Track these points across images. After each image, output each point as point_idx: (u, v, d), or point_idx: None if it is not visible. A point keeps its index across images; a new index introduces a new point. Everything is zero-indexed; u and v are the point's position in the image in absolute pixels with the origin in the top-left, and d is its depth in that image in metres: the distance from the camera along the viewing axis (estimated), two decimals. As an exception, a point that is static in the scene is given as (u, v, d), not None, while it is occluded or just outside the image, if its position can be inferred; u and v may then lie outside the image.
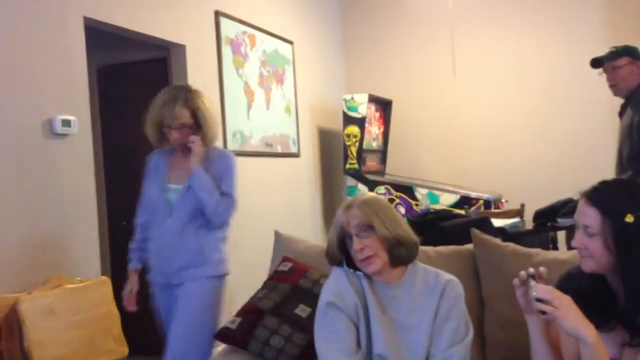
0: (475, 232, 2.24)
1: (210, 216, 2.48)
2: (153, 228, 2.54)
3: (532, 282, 1.42)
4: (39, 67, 2.92)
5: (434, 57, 6.01)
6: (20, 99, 2.81)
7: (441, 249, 2.34)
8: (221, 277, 2.68)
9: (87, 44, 3.26)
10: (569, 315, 1.34)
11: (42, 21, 2.96)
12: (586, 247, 1.44)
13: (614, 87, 3.33)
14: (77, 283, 2.72)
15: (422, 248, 2.39)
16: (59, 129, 2.96)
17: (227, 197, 2.56)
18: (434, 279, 1.79)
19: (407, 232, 1.79)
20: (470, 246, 2.28)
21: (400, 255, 1.75)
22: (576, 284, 1.50)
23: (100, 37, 3.47)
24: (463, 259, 2.25)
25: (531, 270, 1.45)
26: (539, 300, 1.37)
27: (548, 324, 1.47)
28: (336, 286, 1.81)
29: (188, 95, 2.52)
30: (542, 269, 1.45)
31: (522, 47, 5.74)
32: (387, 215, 1.76)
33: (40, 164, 2.89)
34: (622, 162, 3.20)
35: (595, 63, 3.38)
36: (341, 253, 1.82)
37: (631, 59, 3.27)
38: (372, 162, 5.78)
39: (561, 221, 3.38)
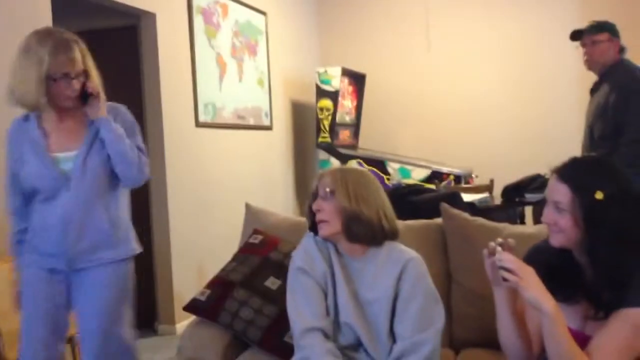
0: (444, 206, 2.26)
1: (133, 173, 2.15)
2: (41, 208, 2.07)
3: (499, 252, 1.43)
4: (2, 34, 2.83)
5: (408, 32, 6.00)
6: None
7: (410, 222, 2.36)
8: (134, 257, 2.33)
9: (54, 10, 3.17)
10: (530, 285, 1.37)
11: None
12: (556, 222, 1.46)
13: (590, 61, 3.32)
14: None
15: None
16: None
17: (142, 152, 2.20)
18: (397, 255, 1.77)
19: (376, 213, 1.75)
20: (439, 220, 2.30)
21: (355, 232, 1.73)
22: (543, 258, 1.53)
23: (67, 3, 3.38)
24: (432, 233, 2.27)
25: (499, 240, 1.47)
26: (503, 268, 1.40)
27: (515, 296, 1.49)
28: (305, 253, 1.83)
29: (74, 37, 2.08)
30: (510, 240, 1.47)
31: (495, 25, 5.76)
32: (358, 189, 1.74)
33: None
34: (593, 140, 3.23)
35: (576, 35, 3.37)
36: (311, 218, 1.82)
37: (610, 36, 3.27)
38: (344, 136, 5.78)
39: (529, 196, 3.43)
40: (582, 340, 1.42)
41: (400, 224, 2.39)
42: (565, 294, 1.46)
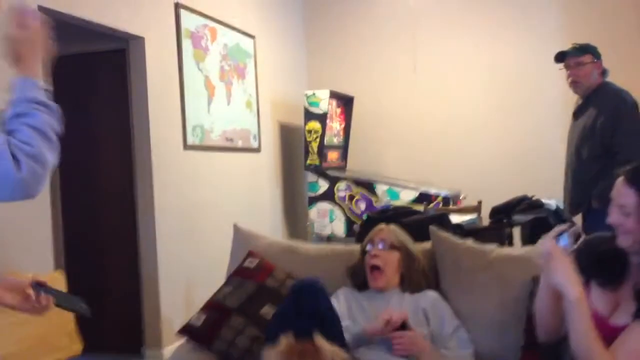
0: (433, 229, 2.28)
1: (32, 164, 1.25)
2: None
3: (551, 237, 1.53)
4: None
5: (395, 55, 6.06)
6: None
7: (400, 244, 2.36)
8: None
9: (42, 33, 3.17)
10: (558, 270, 1.47)
11: (-5, 8, 2.86)
12: (622, 224, 1.51)
13: (576, 84, 3.36)
14: (28, 278, 2.64)
15: (380, 244, 2.44)
16: (12, 120, 2.87)
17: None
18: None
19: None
20: (428, 243, 2.31)
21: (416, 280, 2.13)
22: (596, 247, 1.62)
23: (56, 26, 3.38)
24: (421, 255, 2.27)
25: (564, 226, 1.56)
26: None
27: None
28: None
29: None
30: (574, 227, 1.56)
31: (481, 48, 5.84)
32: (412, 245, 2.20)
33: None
34: (582, 161, 3.27)
35: (560, 57, 3.41)
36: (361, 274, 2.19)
37: (593, 57, 3.32)
38: (333, 158, 5.80)
39: (517, 218, 3.45)
40: (604, 326, 1.49)
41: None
42: (606, 280, 1.56)
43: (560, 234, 1.53)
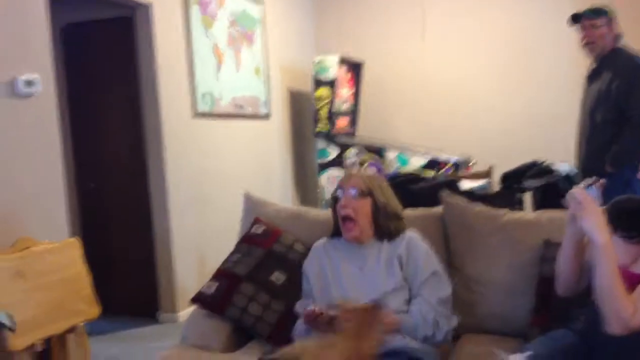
0: (443, 194, 2.28)
1: None
2: None
3: (581, 187, 1.61)
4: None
5: (404, 19, 5.98)
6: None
7: (409, 211, 2.37)
8: None
9: (51, 1, 3.16)
10: (589, 217, 1.56)
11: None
12: None
13: (591, 45, 3.32)
14: (45, 245, 2.69)
15: (391, 210, 2.45)
16: (22, 89, 2.88)
17: None
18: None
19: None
20: (438, 208, 2.31)
21: (387, 227, 2.01)
22: (622, 204, 1.76)
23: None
24: (431, 221, 2.28)
25: (593, 178, 1.64)
26: (574, 199, 1.60)
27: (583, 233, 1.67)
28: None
29: None
30: (602, 180, 1.64)
31: (490, 13, 5.74)
32: (386, 187, 2.06)
33: (4, 125, 2.82)
34: (595, 125, 3.26)
35: (575, 18, 3.38)
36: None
37: (608, 20, 3.30)
38: (342, 124, 5.78)
39: (527, 183, 3.45)
40: (625, 274, 1.58)
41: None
42: (630, 232, 1.68)
43: (588, 186, 1.61)
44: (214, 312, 2.13)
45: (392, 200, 2.08)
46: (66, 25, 4.26)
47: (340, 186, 2.05)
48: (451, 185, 3.41)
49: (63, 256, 2.69)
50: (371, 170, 5.26)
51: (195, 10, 4.31)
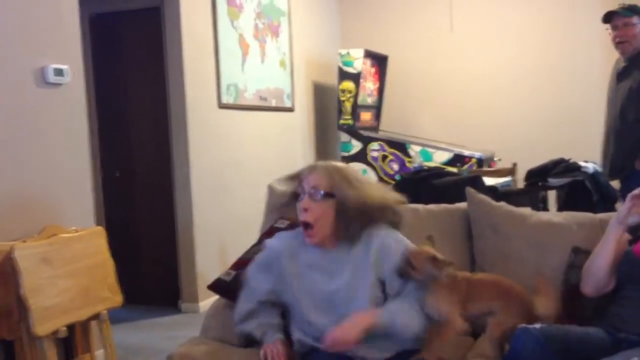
0: (470, 191, 2.24)
1: None
2: None
3: None
4: (30, 16, 2.86)
5: (431, 12, 5.93)
6: (12, 47, 2.76)
7: (432, 207, 2.35)
8: None
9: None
10: None
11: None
12: None
13: (624, 44, 3.27)
14: (72, 233, 2.73)
15: (413, 206, 2.42)
16: (52, 78, 2.92)
17: None
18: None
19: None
20: (462, 204, 2.29)
21: (356, 229, 1.75)
22: None
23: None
24: (454, 218, 2.25)
25: None
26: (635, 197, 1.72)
27: (624, 239, 1.78)
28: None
29: None
30: None
31: (520, 5, 5.67)
32: (360, 178, 1.77)
33: (33, 113, 2.87)
34: (626, 123, 3.21)
35: (608, 17, 3.33)
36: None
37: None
38: (366, 118, 5.77)
39: (552, 181, 3.40)
40: None
41: (422, 207, 2.39)
42: None
43: None
44: (231, 300, 2.13)
45: (368, 190, 1.76)
46: (94, 16, 4.30)
47: (300, 181, 1.78)
48: (475, 181, 3.38)
49: (89, 244, 2.73)
50: (395, 166, 5.24)
51: (221, 2, 4.32)
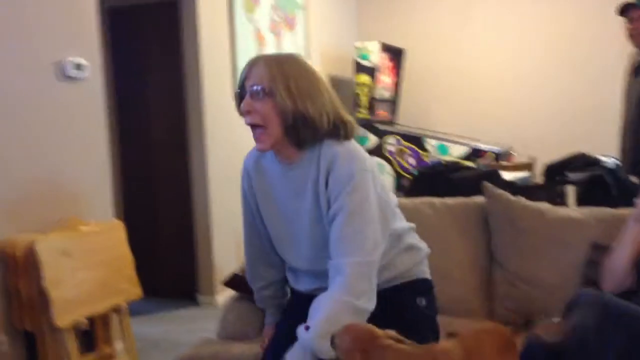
0: (486, 185, 2.24)
1: None
2: None
3: None
4: (49, 9, 2.89)
5: (447, 6, 5.89)
6: (31, 40, 2.79)
7: (449, 200, 2.35)
8: None
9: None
10: None
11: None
12: None
13: (637, 37, 3.22)
14: (91, 226, 2.76)
15: (429, 199, 2.42)
16: (71, 71, 2.95)
17: None
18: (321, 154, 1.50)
19: (324, 109, 1.48)
20: (478, 198, 2.28)
21: (303, 137, 1.48)
22: None
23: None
24: (471, 212, 2.25)
25: None
26: None
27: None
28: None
29: None
30: None
31: (534, 2, 5.60)
32: (300, 84, 1.46)
33: (52, 107, 2.90)
34: None
35: (624, 9, 3.26)
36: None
37: None
38: (382, 112, 5.75)
39: (571, 175, 3.37)
40: None
41: (438, 201, 2.39)
42: None
43: None
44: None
45: (308, 102, 1.47)
46: (112, 9, 4.33)
47: (242, 80, 1.52)
48: (493, 175, 3.36)
49: (108, 237, 2.76)
50: (412, 160, 5.21)
51: (238, -5, 4.33)
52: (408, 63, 5.92)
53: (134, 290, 2.80)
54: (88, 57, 3.07)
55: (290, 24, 5.04)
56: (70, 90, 2.99)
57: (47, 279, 2.37)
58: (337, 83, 5.88)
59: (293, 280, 1.73)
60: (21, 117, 2.72)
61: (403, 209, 2.41)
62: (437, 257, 1.81)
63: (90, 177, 3.10)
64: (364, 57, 5.39)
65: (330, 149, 1.49)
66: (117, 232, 2.82)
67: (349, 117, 1.57)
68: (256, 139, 1.53)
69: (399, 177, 5.28)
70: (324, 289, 1.46)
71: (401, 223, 1.69)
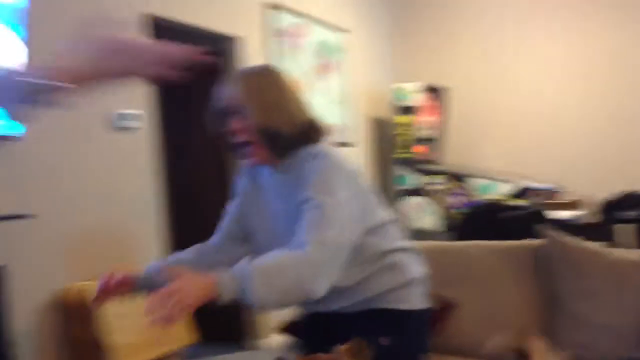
0: (542, 227, 2.21)
1: None
2: None
3: None
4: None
5: (491, 43, 5.88)
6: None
7: (498, 244, 2.31)
8: None
9: (154, 34, 3.33)
10: None
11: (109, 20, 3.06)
12: None
13: None
14: (145, 272, 2.82)
15: (479, 242, 2.39)
16: (124, 122, 3.06)
17: None
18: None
19: (292, 119, 1.52)
20: (531, 241, 2.25)
21: (278, 147, 1.51)
22: None
23: (163, 28, 3.54)
24: (524, 255, 2.21)
25: None
26: None
27: None
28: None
29: None
30: None
31: (585, 35, 5.55)
32: (265, 97, 1.49)
33: (106, 157, 3.00)
34: None
35: None
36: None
37: None
38: (425, 151, 5.75)
39: (626, 214, 3.31)
40: None
41: (490, 245, 2.35)
42: None
43: None
44: (303, 339, 2.12)
45: (279, 112, 1.51)
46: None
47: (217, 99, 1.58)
48: (541, 215, 3.33)
49: (161, 283, 2.80)
50: (456, 199, 5.17)
51: (282, 42, 4.45)
52: (449, 101, 5.92)
53: (190, 335, 2.83)
54: (141, 107, 3.19)
55: (331, 67, 5.14)
56: (124, 141, 3.10)
57: (104, 327, 2.43)
58: (378, 124, 5.92)
59: (309, 305, 1.65)
60: (75, 167, 2.82)
61: (452, 252, 2.40)
62: (489, 301, 1.79)
63: (142, 225, 3.18)
64: (402, 98, 5.44)
65: (305, 152, 1.52)
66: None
67: (317, 120, 1.60)
68: (247, 155, 1.54)
69: (444, 216, 5.25)
70: (343, 308, 1.53)
71: (390, 239, 1.59)
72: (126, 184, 3.10)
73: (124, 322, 2.52)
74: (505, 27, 5.81)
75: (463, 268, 2.28)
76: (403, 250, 1.62)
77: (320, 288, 1.33)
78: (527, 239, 2.31)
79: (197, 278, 1.28)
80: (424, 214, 5.33)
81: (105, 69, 1.14)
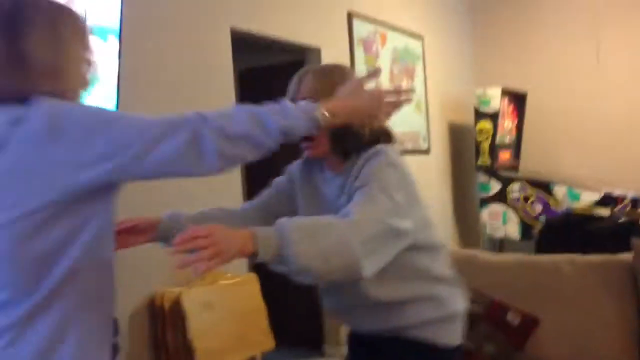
0: (637, 241, 2.11)
1: None
2: None
3: None
4: (191, 81, 3.15)
5: (574, 46, 5.70)
6: (172, 107, 3.04)
7: (591, 258, 2.24)
8: None
9: (234, 47, 3.42)
10: None
11: (193, 34, 3.18)
12: None
13: None
14: (229, 279, 2.91)
15: (568, 256, 2.32)
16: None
17: None
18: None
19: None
20: (625, 256, 2.16)
21: (347, 147, 1.50)
22: None
23: (243, 41, 3.65)
24: (618, 270, 2.14)
25: None
26: None
27: None
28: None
29: None
30: None
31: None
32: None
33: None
34: None
35: None
36: None
37: None
38: (505, 158, 5.62)
39: None
40: None
41: (580, 259, 2.27)
42: None
43: None
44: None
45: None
46: (244, 70, 4.62)
47: (293, 94, 1.62)
48: (633, 225, 3.18)
49: (244, 289, 2.89)
50: (539, 207, 5.03)
51: (359, 51, 4.47)
52: (530, 106, 5.76)
53: (268, 342, 2.90)
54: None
55: (409, 74, 5.12)
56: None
57: (193, 332, 2.53)
58: (457, 131, 5.84)
59: (347, 321, 1.61)
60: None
61: (538, 266, 2.34)
62: (578, 316, 1.73)
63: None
64: (485, 103, 5.33)
65: (366, 154, 1.49)
66: (252, 284, 2.96)
67: (388, 127, 1.61)
68: (305, 147, 1.56)
69: (524, 224, 5.10)
70: (386, 331, 1.46)
71: (439, 265, 1.54)
72: (210, 190, 3.21)
73: (209, 327, 2.61)
74: (587, 30, 5.60)
75: (551, 281, 2.22)
76: (449, 280, 1.57)
77: (366, 264, 1.23)
78: (620, 252, 2.22)
79: (232, 229, 1.19)
80: (505, 222, 5.20)
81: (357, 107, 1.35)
